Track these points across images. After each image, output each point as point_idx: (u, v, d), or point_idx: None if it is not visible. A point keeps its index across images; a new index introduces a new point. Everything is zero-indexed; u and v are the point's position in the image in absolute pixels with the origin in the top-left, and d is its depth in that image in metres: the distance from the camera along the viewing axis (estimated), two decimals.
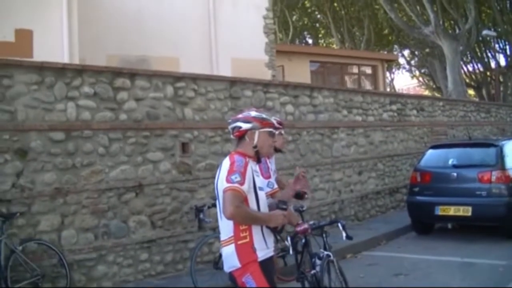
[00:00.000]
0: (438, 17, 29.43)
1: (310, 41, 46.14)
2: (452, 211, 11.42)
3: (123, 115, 8.74)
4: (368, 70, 29.27)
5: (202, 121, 9.90)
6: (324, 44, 45.34)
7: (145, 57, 15.15)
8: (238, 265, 4.34)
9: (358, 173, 14.00)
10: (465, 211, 11.24)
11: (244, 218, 4.31)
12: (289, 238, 8.20)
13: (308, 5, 41.93)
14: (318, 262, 6.74)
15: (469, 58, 41.17)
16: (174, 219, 9.22)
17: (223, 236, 4.46)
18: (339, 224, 6.55)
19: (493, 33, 31.46)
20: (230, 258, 4.38)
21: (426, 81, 49.71)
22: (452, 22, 35.86)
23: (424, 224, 12.47)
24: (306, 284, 7.00)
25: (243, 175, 4.29)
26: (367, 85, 28.77)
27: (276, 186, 6.31)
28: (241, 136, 4.61)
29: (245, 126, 4.57)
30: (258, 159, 4.64)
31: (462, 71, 39.48)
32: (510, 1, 32.71)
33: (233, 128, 4.64)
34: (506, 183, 11.20)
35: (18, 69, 7.70)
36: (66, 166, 8.00)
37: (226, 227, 4.42)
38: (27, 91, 7.74)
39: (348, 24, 40.18)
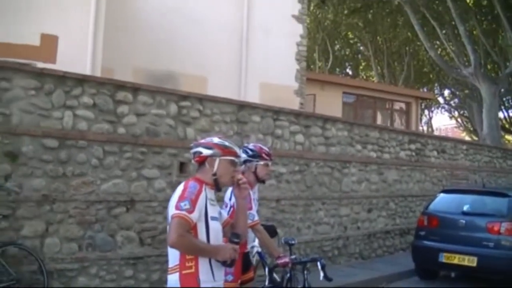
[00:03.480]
0: (479, 59, 29.06)
1: (350, 72, 45.90)
2: (456, 259, 11.09)
3: (122, 129, 8.68)
4: (402, 106, 28.96)
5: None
6: (364, 77, 45.14)
7: (173, 74, 15.19)
8: None
9: (368, 211, 13.74)
10: (470, 261, 10.91)
11: (187, 248, 4.18)
12: (267, 269, 8.11)
13: (351, 36, 41.84)
14: None
15: (511, 103, 40.61)
16: (164, 238, 9.05)
17: (170, 264, 4.34)
18: (318, 263, 6.41)
19: None
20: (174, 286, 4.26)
21: (465, 123, 49.16)
22: (494, 65, 35.40)
23: (428, 270, 12.18)
24: None
25: (193, 202, 4.17)
26: (399, 122, 28.48)
27: (256, 218, 6.20)
28: (202, 162, 4.50)
29: (205, 152, 4.47)
30: (217, 187, 4.51)
31: (502, 116, 39.04)
32: None
33: (194, 153, 4.54)
34: None
35: (17, 73, 7.70)
36: (57, 174, 7.95)
37: (172, 255, 4.30)
38: (25, 96, 7.72)
39: (389, 58, 39.91)
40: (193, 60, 15.75)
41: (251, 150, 6.44)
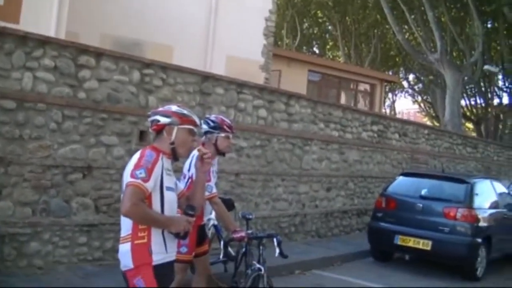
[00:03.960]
0: (445, 46, 29.26)
1: (317, 51, 45.91)
2: (411, 242, 11.20)
3: (82, 93, 8.50)
4: (366, 88, 29.07)
5: None
6: (331, 56, 45.20)
7: (140, 41, 15.04)
8: (131, 265, 4.10)
9: (326, 189, 13.76)
10: (425, 244, 11.03)
11: (141, 218, 4.07)
12: (222, 243, 8.10)
13: (320, 14, 41.79)
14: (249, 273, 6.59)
15: (473, 92, 41.01)
16: (120, 206, 8.97)
17: (122, 233, 4.23)
18: (275, 239, 6.39)
19: (494, 69, 31.18)
20: (125, 257, 4.15)
21: (427, 108, 49.60)
22: (460, 53, 35.68)
23: (383, 251, 12.27)
24: None
25: (149, 171, 4.06)
26: (363, 103, 28.59)
27: (214, 190, 6.14)
28: (159, 130, 4.38)
29: (163, 120, 4.34)
30: (174, 156, 4.39)
31: (464, 104, 39.44)
32: None
33: (152, 121, 4.41)
34: (471, 222, 11.04)
35: None
36: (13, 136, 7.76)
37: (125, 224, 4.19)
38: None
39: (357, 40, 40.02)
40: (161, 29, 15.58)
41: (212, 121, 6.34)
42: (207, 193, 5.94)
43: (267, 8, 18.47)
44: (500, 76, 39.01)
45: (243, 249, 7.07)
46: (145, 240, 4.13)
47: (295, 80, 23.36)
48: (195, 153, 6.21)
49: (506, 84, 40.38)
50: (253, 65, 17.77)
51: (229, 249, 8.38)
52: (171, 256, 4.32)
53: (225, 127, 6.36)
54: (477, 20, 27.29)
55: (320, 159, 13.47)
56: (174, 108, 4.44)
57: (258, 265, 6.52)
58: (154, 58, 10.18)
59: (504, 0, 24.91)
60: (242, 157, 11.25)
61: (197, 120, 4.51)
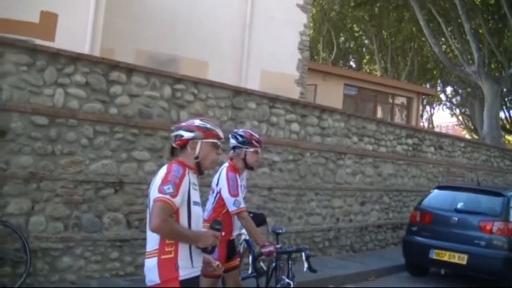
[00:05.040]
0: (483, 58, 28.96)
1: (353, 65, 45.79)
2: (447, 256, 11.00)
3: (114, 109, 8.60)
4: (403, 102, 28.86)
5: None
6: (368, 70, 45.03)
7: (175, 57, 15.10)
8: (158, 280, 4.10)
9: (361, 203, 13.67)
10: (461, 258, 10.82)
11: (169, 234, 4.07)
12: (250, 257, 8.07)
13: (356, 28, 41.72)
14: None
15: None
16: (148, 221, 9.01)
17: (148, 247, 4.23)
18: (303, 254, 6.34)
19: None
20: (151, 272, 4.15)
21: (466, 121, 49.11)
22: (498, 64, 35.29)
23: (418, 266, 12.11)
24: None
25: (177, 186, 4.06)
26: (400, 117, 28.39)
27: (242, 205, 6.12)
28: (183, 145, 4.39)
29: (187, 135, 4.35)
30: (199, 171, 4.41)
31: (504, 116, 38.98)
32: None
33: (175, 136, 4.43)
34: (508, 236, 10.77)
35: (9, 48, 7.62)
36: (45, 152, 7.87)
37: (152, 239, 4.18)
38: (16, 72, 7.65)
39: (393, 53, 39.81)
40: (196, 45, 15.63)
41: (241, 136, 6.36)
42: (235, 208, 5.95)
43: (302, 22, 18.42)
44: None
45: (273, 264, 7.03)
46: (172, 255, 4.12)
47: (331, 94, 23.29)
48: (223, 167, 6.24)
49: None
50: (288, 79, 17.72)
51: (261, 263, 8.35)
52: (196, 270, 4.30)
53: (253, 141, 6.37)
54: None
55: (354, 173, 13.39)
56: (197, 122, 4.45)
57: (287, 280, 6.54)
58: (189, 74, 10.26)
59: None
60: (275, 172, 11.23)
61: (221, 133, 4.52)
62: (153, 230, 4.02)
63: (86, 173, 8.29)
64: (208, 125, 4.45)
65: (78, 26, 12.03)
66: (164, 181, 4.09)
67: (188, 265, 4.19)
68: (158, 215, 3.95)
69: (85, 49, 11.60)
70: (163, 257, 4.11)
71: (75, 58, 8.21)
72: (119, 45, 13.70)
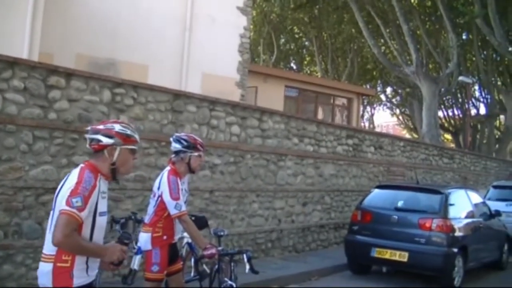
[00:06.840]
0: (421, 58, 29.52)
1: (294, 66, 46.12)
2: (388, 254, 11.20)
3: (53, 114, 8.49)
4: (344, 102, 29.18)
5: (137, 131, 9.64)
6: (308, 72, 45.38)
7: (114, 61, 15.02)
8: (51, 286, 4.01)
9: (302, 204, 13.79)
10: (402, 256, 11.02)
11: (73, 249, 3.98)
12: (192, 260, 8.10)
13: (296, 30, 42.01)
14: None
15: (451, 103, 41.41)
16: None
17: (46, 250, 4.08)
18: (245, 256, 6.41)
19: (468, 80, 31.43)
20: (45, 277, 4.03)
21: (406, 121, 49.96)
22: (436, 65, 36.01)
23: (360, 264, 12.29)
24: None
25: (85, 200, 3.95)
26: (340, 117, 28.69)
27: (184, 208, 6.13)
28: (100, 150, 4.26)
29: (106, 141, 4.21)
30: (113, 177, 4.31)
31: (442, 115, 39.80)
32: (495, 51, 32.75)
33: (92, 140, 4.28)
34: (447, 232, 11.04)
35: None
36: None
37: (50, 243, 4.02)
38: None
39: (333, 54, 40.26)
40: (136, 49, 15.57)
41: (185, 140, 6.36)
42: (176, 211, 5.96)
43: (242, 25, 18.51)
44: (476, 87, 39.48)
45: (216, 266, 7.07)
46: (68, 264, 4.02)
47: (272, 96, 23.39)
48: (165, 171, 6.25)
49: (483, 95, 40.82)
50: (229, 82, 17.79)
51: (204, 266, 8.38)
52: (91, 278, 4.21)
53: (198, 146, 6.41)
54: (451, 32, 27.57)
55: (295, 174, 13.50)
56: (117, 128, 4.31)
57: (230, 282, 6.59)
58: (129, 77, 10.22)
59: (476, 12, 25.16)
60: (216, 174, 11.25)
61: (138, 138, 4.45)
62: (55, 245, 3.91)
63: (25, 179, 8.17)
64: (129, 132, 4.36)
65: (15, 30, 11.87)
66: (74, 193, 3.95)
67: (83, 275, 4.10)
68: (62, 230, 3.84)
69: (24, 54, 11.45)
70: (59, 264, 4.01)
71: (12, 63, 8.08)
72: (59, 49, 13.56)
